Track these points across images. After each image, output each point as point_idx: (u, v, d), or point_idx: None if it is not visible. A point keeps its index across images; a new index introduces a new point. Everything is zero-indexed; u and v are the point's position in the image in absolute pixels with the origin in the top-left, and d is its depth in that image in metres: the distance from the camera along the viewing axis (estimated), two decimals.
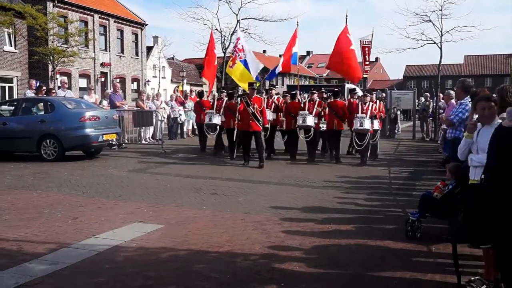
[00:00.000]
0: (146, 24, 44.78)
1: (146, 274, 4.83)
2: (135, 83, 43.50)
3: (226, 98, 14.66)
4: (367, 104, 12.74)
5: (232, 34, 25.00)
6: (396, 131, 23.02)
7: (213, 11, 50.72)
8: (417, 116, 23.35)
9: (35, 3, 28.51)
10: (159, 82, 43.20)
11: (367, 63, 19.22)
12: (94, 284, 4.62)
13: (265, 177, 10.72)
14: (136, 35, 43.81)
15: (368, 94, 13.45)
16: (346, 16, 15.98)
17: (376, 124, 13.04)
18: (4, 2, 27.85)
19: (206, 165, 12.64)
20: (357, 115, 12.58)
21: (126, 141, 16.93)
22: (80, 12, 36.11)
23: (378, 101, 13.93)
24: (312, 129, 13.20)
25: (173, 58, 57.22)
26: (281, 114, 14.27)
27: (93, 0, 38.94)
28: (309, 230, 6.50)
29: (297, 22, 22.90)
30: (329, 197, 8.63)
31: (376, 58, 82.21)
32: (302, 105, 14.07)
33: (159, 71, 47.41)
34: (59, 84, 21.13)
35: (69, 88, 23.81)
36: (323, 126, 13.57)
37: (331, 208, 7.81)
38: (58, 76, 29.48)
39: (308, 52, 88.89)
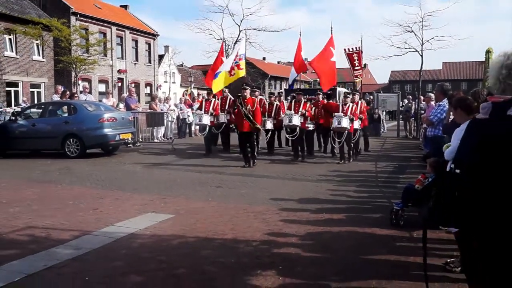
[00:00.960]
0: (158, 35, 44.73)
1: (158, 259, 4.84)
2: (148, 87, 43.44)
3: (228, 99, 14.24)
4: (347, 104, 12.11)
5: (235, 43, 24.97)
6: (382, 130, 22.98)
7: (218, 22, 50.34)
8: (401, 116, 23.31)
9: (60, 17, 28.60)
10: (170, 87, 43.19)
11: (357, 68, 19.12)
12: (112, 267, 4.62)
13: (266, 172, 10.71)
14: (149, 44, 43.74)
15: (348, 95, 12.72)
16: (331, 28, 16.70)
17: (356, 124, 12.50)
18: (33, 17, 27.93)
19: (211, 161, 12.62)
20: (336, 114, 11.95)
21: (140, 139, 16.96)
22: (100, 25, 36.08)
23: (359, 102, 13.23)
24: (298, 128, 12.33)
25: (182, 65, 57.15)
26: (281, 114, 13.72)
27: (111, 14, 38.97)
28: (304, 219, 6.50)
29: (300, 33, 22.38)
30: (323, 190, 8.62)
31: (365, 65, 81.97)
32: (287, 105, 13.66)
33: (170, 76, 47.32)
34: (81, 89, 21.20)
35: (90, 92, 23.61)
36: (310, 126, 13.17)
37: (324, 199, 7.80)
38: (80, 81, 29.49)
39: (305, 59, 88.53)
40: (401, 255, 4.99)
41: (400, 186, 8.16)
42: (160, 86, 45.00)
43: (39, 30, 26.56)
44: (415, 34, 21.36)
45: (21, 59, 28.98)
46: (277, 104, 14.17)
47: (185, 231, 5.88)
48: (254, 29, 30.89)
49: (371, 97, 26.10)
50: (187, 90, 33.85)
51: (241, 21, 30.35)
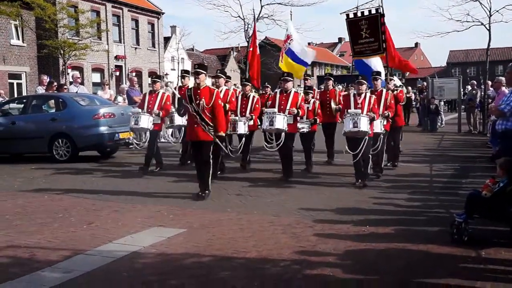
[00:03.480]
0: (163, 13, 45.10)
1: (167, 282, 4.89)
2: (152, 76, 43.81)
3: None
4: (363, 95, 9.75)
5: (256, 21, 24.96)
6: (439, 124, 22.75)
7: None
8: (462, 106, 23.03)
9: None
10: (178, 75, 43.48)
11: (370, 41, 14.69)
12: None
13: (295, 175, 10.70)
14: (152, 25, 44.12)
15: (364, 82, 9.93)
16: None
17: (379, 125, 10.11)
18: None
19: (229, 164, 12.65)
20: (349, 111, 9.54)
21: (144, 139, 17.07)
22: (92, 1, 36.50)
23: (383, 91, 10.69)
24: (283, 134, 10.12)
25: (192, 49, 57.48)
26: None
27: None
28: (343, 233, 6.48)
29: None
30: (365, 198, 8.59)
31: (416, 44, 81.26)
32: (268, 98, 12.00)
33: (178, 63, 47.68)
34: (71, 79, 21.51)
35: (82, 83, 24.10)
36: (304, 127, 11.14)
37: (367, 209, 7.76)
38: (69, 70, 29.99)
39: (340, 39, 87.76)
40: (466, 279, 4.93)
41: (463, 193, 8.07)
42: (166, 74, 45.30)
43: (17, 8, 26.93)
44: (481, 3, 20.94)
45: None
46: (253, 97, 11.94)
47: (198, 248, 5.91)
48: (279, 3, 30.83)
49: (424, 83, 25.91)
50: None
51: None
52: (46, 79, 17.41)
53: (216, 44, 60.05)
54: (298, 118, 10.67)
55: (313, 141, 11.87)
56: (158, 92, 11.69)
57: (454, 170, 11.71)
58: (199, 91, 8.78)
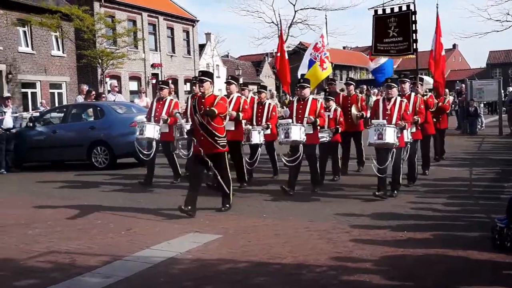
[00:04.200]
0: (198, 21, 45.50)
1: None
2: (188, 84, 44.15)
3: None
4: (393, 99, 8.80)
5: (289, 27, 25.02)
6: (479, 126, 22.30)
7: (268, 2, 50.75)
8: (504, 108, 22.52)
9: (81, 4, 29.51)
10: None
11: (395, 41, 13.08)
12: None
13: (330, 181, 10.66)
14: (187, 32, 44.54)
15: (394, 85, 8.91)
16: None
17: (407, 134, 9.14)
18: (50, 4, 28.98)
19: (266, 170, 12.63)
20: (373, 121, 8.85)
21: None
22: (128, 11, 37.11)
23: (413, 94, 9.75)
24: (301, 146, 9.23)
25: (227, 56, 57.83)
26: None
27: None
28: (380, 239, 6.42)
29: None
30: (402, 202, 8.47)
31: (454, 45, 79.80)
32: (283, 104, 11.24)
33: (213, 70, 47.98)
34: (109, 88, 21.84)
35: (120, 91, 24.49)
36: (324, 137, 10.08)
37: (405, 215, 7.67)
38: (107, 79, 30.48)
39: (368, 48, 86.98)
40: (508, 287, 4.81)
41: (504, 197, 7.90)
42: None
43: (58, 20, 27.49)
44: None
45: (38, 55, 29.98)
46: (269, 104, 11.10)
47: (234, 254, 5.95)
48: (313, 8, 30.90)
49: (463, 85, 25.40)
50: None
51: (296, 1, 30.39)
52: (85, 88, 17.76)
53: (250, 50, 60.56)
54: (319, 127, 9.79)
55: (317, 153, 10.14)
56: (166, 99, 11.03)
57: (495, 174, 11.44)
58: (203, 101, 7.94)
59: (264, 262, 5.66)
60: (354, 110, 10.57)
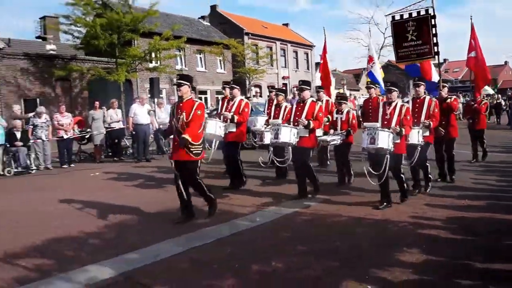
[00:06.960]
0: (314, 46, 45.09)
1: (319, 234, 5.05)
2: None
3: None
4: (394, 104, 6.11)
5: (381, 49, 23.98)
6: None
7: (365, 32, 48.73)
8: None
9: (236, 38, 31.43)
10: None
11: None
12: (280, 238, 4.95)
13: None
14: (307, 54, 44.36)
15: (394, 89, 6.18)
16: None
17: (416, 136, 6.47)
18: (217, 39, 31.02)
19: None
20: (365, 124, 6.50)
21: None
22: (267, 41, 37.78)
23: (428, 97, 6.91)
24: (290, 148, 6.81)
25: (335, 70, 56.55)
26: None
27: (275, 31, 40.55)
28: (448, 204, 6.10)
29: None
30: (466, 178, 7.91)
31: (505, 62, 69.45)
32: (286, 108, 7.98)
33: None
34: (254, 94, 22.49)
35: (261, 95, 25.10)
36: (334, 139, 7.55)
37: (467, 187, 7.19)
38: (252, 88, 31.57)
39: (445, 60, 79.83)
40: None
41: None
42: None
43: (221, 49, 29.77)
44: None
45: (208, 73, 32.11)
46: (286, 106, 8.10)
47: (340, 211, 5.93)
48: None
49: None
50: (340, 90, 33.71)
51: (386, 29, 28.96)
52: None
53: (352, 66, 58.88)
54: (332, 131, 7.83)
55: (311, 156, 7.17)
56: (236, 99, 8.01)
57: None
58: (181, 105, 5.55)
59: (361, 217, 5.62)
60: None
